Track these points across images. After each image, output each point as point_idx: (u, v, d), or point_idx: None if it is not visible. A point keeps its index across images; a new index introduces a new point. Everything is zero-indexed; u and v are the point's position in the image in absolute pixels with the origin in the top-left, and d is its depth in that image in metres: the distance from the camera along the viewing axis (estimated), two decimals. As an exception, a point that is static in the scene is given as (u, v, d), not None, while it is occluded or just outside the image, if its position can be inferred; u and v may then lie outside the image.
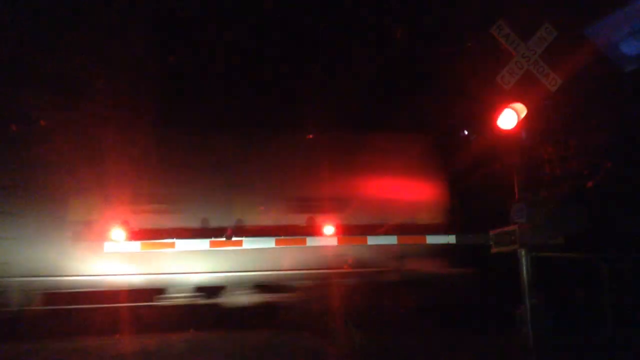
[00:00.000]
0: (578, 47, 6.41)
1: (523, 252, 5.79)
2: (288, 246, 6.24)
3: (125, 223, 6.21)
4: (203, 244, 6.17)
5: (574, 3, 6.48)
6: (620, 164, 6.73)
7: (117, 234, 6.11)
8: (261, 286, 6.39)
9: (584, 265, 6.09)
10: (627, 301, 5.82)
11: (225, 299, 6.38)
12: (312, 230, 6.27)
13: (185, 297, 6.35)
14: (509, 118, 6.06)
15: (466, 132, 6.70)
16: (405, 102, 6.98)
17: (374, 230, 6.31)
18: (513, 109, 6.05)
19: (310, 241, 6.19)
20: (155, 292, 6.28)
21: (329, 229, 6.29)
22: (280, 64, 6.66)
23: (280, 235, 6.22)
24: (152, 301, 6.26)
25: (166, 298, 6.33)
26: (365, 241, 6.22)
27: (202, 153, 6.59)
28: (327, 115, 6.69)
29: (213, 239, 6.17)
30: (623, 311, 5.85)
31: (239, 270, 6.29)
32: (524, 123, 6.11)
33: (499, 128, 6.00)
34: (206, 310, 6.34)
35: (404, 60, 6.79)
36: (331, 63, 6.67)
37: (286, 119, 6.80)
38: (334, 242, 6.23)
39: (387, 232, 6.27)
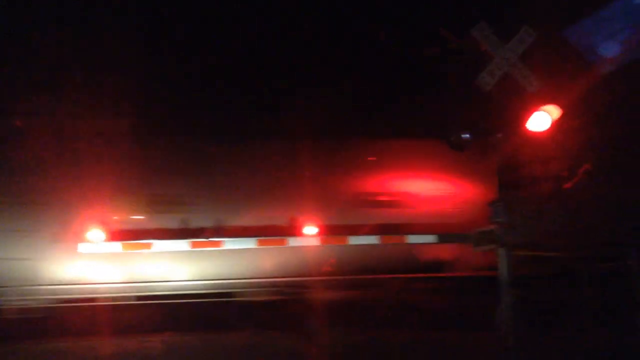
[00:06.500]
0: (558, 49, 7.04)
1: (502, 251, 6.45)
2: (270, 246, 6.74)
3: (101, 223, 6.60)
4: (183, 244, 6.65)
5: (553, 5, 7.08)
6: (599, 165, 7.38)
7: (93, 234, 6.50)
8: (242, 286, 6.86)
9: (563, 264, 6.74)
10: (605, 300, 6.49)
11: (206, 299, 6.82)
12: (293, 231, 6.78)
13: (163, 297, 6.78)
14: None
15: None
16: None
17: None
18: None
19: (292, 241, 6.72)
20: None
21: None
22: (266, 69, 7.12)
23: (262, 236, 6.73)
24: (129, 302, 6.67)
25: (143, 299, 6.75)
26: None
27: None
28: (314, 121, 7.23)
29: (194, 240, 6.62)
30: (601, 310, 6.51)
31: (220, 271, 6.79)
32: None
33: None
34: (186, 310, 6.75)
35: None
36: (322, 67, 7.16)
37: (273, 124, 7.28)
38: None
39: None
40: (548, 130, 6.67)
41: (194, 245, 6.60)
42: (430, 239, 6.97)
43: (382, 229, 7.00)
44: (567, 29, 7.11)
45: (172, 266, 6.82)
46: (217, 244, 6.64)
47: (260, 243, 6.71)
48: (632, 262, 6.43)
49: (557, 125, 6.97)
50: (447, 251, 7.19)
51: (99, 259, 6.64)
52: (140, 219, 6.73)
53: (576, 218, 6.70)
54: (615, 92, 6.93)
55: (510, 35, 6.75)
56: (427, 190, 7.38)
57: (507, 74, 6.76)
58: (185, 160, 6.99)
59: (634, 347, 6.02)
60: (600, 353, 6.13)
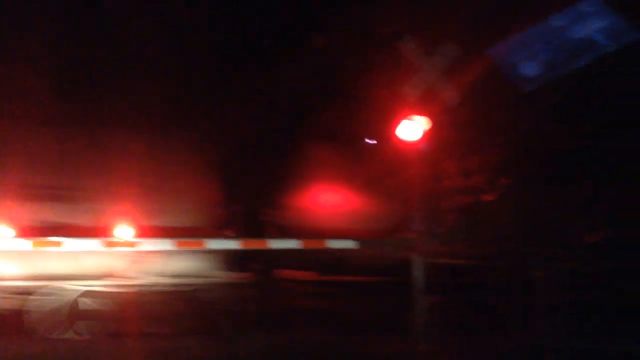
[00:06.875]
0: (480, 67, 7.36)
1: (418, 259, 6.67)
2: (189, 248, 6.70)
3: (9, 219, 6.40)
4: (95, 244, 6.50)
5: (478, 24, 7.41)
6: (517, 180, 7.73)
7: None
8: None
9: (475, 272, 7.02)
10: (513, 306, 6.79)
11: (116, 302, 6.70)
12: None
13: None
14: (411, 129, 6.94)
15: (372, 141, 7.47)
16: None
17: None
18: (415, 120, 6.94)
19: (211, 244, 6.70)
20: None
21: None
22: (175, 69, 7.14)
23: (180, 237, 6.67)
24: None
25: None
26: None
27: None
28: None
29: (108, 239, 6.50)
30: (511, 315, 6.79)
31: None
32: (427, 135, 7.02)
33: (400, 139, 6.89)
34: (92, 314, 6.61)
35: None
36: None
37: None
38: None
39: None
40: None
41: (108, 244, 6.49)
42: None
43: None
44: (490, 47, 7.41)
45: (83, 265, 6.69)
46: (132, 244, 6.55)
47: (180, 245, 6.68)
48: (538, 272, 6.73)
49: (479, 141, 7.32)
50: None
51: (5, 256, 6.44)
52: (49, 215, 6.58)
53: (488, 229, 7.00)
54: (529, 112, 7.30)
55: (435, 49, 7.04)
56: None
57: (429, 87, 7.05)
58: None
59: (537, 350, 6.31)
60: (506, 356, 6.38)
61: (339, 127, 7.52)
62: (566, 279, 6.74)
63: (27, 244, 6.34)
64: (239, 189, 7.42)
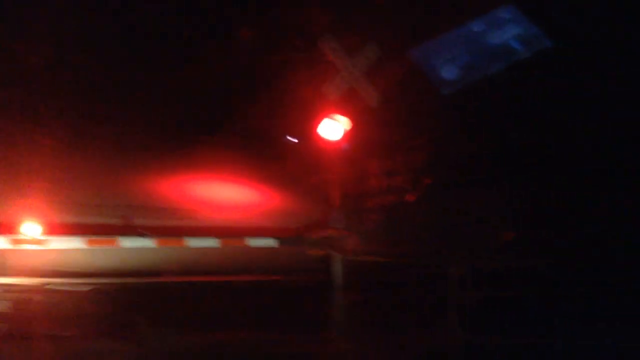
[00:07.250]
0: (402, 68, 7.52)
1: (337, 256, 6.75)
2: (100, 247, 6.51)
3: None
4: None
5: (401, 26, 7.58)
6: (438, 181, 7.93)
7: None
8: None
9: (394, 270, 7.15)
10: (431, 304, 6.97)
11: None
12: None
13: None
14: (333, 129, 7.03)
15: (294, 139, 7.51)
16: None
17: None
18: (336, 120, 7.04)
19: (125, 242, 6.54)
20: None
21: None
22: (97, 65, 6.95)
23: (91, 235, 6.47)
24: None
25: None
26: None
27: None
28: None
29: (14, 236, 6.24)
30: (428, 313, 6.96)
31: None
32: (349, 135, 7.13)
33: (321, 138, 6.97)
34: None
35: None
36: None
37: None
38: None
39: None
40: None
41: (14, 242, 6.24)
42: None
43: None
44: (411, 49, 7.57)
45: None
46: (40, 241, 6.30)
47: (91, 243, 6.47)
48: (456, 270, 6.95)
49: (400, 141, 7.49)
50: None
51: None
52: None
53: (409, 228, 7.17)
54: (448, 114, 7.52)
55: (357, 49, 7.15)
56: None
57: (351, 87, 7.15)
58: None
59: (457, 348, 6.50)
60: (428, 354, 6.53)
61: (260, 124, 7.49)
62: (483, 277, 6.99)
63: None
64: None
